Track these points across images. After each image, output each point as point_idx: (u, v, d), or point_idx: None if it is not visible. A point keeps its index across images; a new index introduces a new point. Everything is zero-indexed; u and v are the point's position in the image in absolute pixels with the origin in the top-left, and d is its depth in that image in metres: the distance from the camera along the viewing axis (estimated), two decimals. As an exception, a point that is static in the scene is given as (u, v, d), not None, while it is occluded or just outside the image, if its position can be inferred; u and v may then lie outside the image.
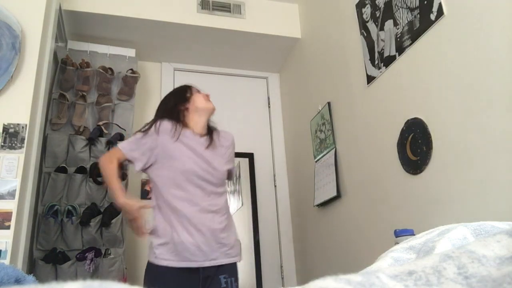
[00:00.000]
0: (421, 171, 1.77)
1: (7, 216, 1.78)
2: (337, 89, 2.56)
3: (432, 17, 1.73)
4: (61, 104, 2.63)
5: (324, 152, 2.65)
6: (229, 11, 3.05)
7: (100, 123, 2.68)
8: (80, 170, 2.55)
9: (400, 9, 1.96)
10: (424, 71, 1.80)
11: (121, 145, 1.86)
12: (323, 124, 2.68)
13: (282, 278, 3.06)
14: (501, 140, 1.40)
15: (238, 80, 3.53)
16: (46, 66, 2.16)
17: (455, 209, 1.58)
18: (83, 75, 2.75)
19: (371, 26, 2.19)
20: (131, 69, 2.89)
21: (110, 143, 2.62)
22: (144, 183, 2.92)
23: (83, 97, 2.71)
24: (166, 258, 1.70)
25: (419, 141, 1.79)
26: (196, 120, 1.93)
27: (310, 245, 2.88)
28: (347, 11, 2.45)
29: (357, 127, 2.31)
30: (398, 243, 1.27)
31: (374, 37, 2.16)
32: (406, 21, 1.91)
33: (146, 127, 1.86)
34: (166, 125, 1.84)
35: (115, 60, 2.90)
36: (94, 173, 2.53)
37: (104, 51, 2.90)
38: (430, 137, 1.73)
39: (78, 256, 2.38)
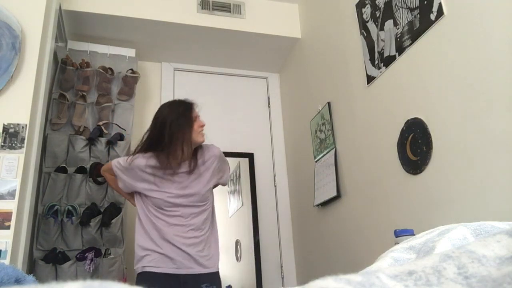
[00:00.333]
0: (421, 171, 1.77)
1: (7, 216, 1.78)
2: (337, 89, 2.56)
3: (432, 17, 1.73)
4: (61, 104, 2.63)
5: (324, 152, 2.65)
6: (229, 11, 3.05)
7: (100, 123, 2.68)
8: (80, 170, 2.55)
9: (400, 9, 1.96)
10: (424, 71, 1.80)
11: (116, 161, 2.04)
12: (323, 124, 2.68)
13: (282, 278, 3.06)
14: (501, 140, 1.40)
15: (238, 80, 3.53)
16: (46, 66, 2.16)
17: (455, 209, 1.58)
18: (83, 75, 2.75)
19: (371, 26, 2.19)
20: (131, 69, 2.89)
21: (110, 143, 2.62)
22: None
23: (83, 97, 2.71)
24: (149, 266, 1.87)
25: (419, 141, 1.79)
26: (186, 145, 1.95)
27: (310, 245, 2.88)
28: (347, 11, 2.45)
29: (357, 127, 2.31)
30: (398, 243, 1.27)
31: (374, 37, 2.17)
32: (406, 21, 1.91)
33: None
34: (139, 161, 1.95)
35: (115, 60, 2.90)
36: (94, 173, 2.54)
37: (104, 51, 2.90)
38: (430, 137, 1.73)
39: (78, 256, 2.38)
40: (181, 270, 1.87)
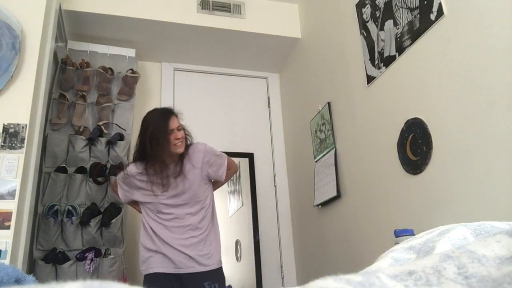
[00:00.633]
0: (421, 171, 1.77)
1: (7, 216, 1.78)
2: (337, 89, 2.56)
3: (432, 17, 1.73)
4: (61, 104, 2.63)
5: (324, 152, 2.65)
6: (229, 11, 3.05)
7: (100, 123, 2.68)
8: (80, 170, 2.55)
9: (400, 9, 1.96)
10: (424, 71, 1.80)
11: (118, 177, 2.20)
12: (323, 124, 2.68)
13: (282, 278, 3.06)
14: (501, 140, 1.40)
15: (238, 80, 3.53)
16: (46, 66, 2.16)
17: (455, 209, 1.58)
18: (83, 75, 2.75)
19: (371, 26, 2.19)
20: (131, 69, 2.89)
21: (110, 143, 2.62)
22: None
23: (83, 97, 2.71)
24: (154, 267, 1.99)
25: (419, 141, 1.79)
26: (164, 156, 2.06)
27: (310, 245, 2.88)
28: (347, 11, 2.45)
29: (357, 127, 2.31)
30: (398, 243, 1.27)
31: (374, 37, 2.17)
32: (406, 21, 1.91)
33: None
34: (131, 169, 2.10)
35: (115, 60, 2.90)
36: (94, 173, 2.54)
37: (104, 51, 2.90)
38: (430, 137, 1.73)
39: (78, 256, 2.38)
40: (182, 270, 1.96)
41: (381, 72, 2.09)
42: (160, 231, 2.02)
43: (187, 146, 2.10)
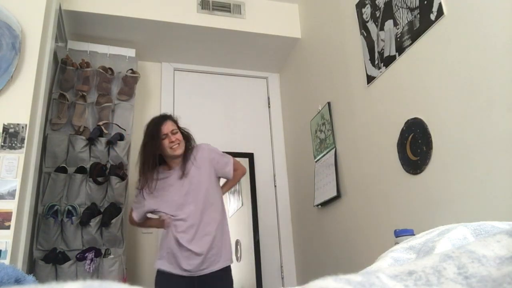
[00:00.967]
0: (421, 171, 1.77)
1: (7, 216, 1.78)
2: (337, 89, 2.56)
3: (432, 17, 1.73)
4: (61, 104, 2.63)
5: (324, 152, 2.65)
6: (229, 11, 3.05)
7: (100, 123, 2.68)
8: (80, 170, 2.55)
9: (400, 9, 1.96)
10: (424, 71, 1.80)
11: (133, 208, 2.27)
12: (323, 124, 2.68)
13: (282, 278, 3.06)
14: (501, 140, 1.40)
15: (238, 80, 3.53)
16: (46, 66, 2.16)
17: (455, 209, 1.58)
18: (83, 75, 2.75)
19: (371, 26, 2.19)
20: (131, 69, 2.88)
21: (110, 143, 2.62)
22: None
23: (83, 97, 2.71)
24: (165, 264, 2.07)
25: (419, 141, 1.79)
26: (168, 159, 2.17)
27: (310, 245, 2.88)
28: (347, 11, 2.45)
29: (357, 127, 2.31)
30: (398, 243, 1.27)
31: (374, 37, 2.16)
32: (406, 21, 1.91)
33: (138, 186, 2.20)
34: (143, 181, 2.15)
35: (115, 60, 2.90)
36: (94, 173, 2.54)
37: (104, 51, 2.90)
38: (430, 137, 1.73)
39: (78, 256, 2.38)
40: (193, 273, 2.03)
41: (381, 72, 2.09)
42: (173, 234, 2.09)
43: (191, 149, 2.17)
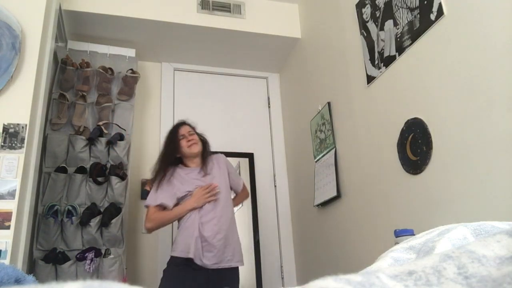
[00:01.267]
0: (421, 171, 1.77)
1: (7, 216, 1.78)
2: (337, 89, 2.56)
3: (432, 17, 1.73)
4: (61, 104, 2.63)
5: (324, 152, 2.65)
6: (229, 11, 3.05)
7: (100, 123, 2.68)
8: (80, 170, 2.55)
9: (400, 9, 1.96)
10: (424, 71, 1.80)
11: (147, 202, 2.20)
12: (323, 124, 2.68)
13: (282, 278, 3.06)
14: (501, 140, 1.40)
15: (238, 80, 3.53)
16: (46, 66, 2.16)
17: (455, 209, 1.58)
18: (83, 75, 2.75)
19: (371, 26, 2.19)
20: (131, 69, 2.89)
21: (110, 143, 2.62)
22: (144, 183, 2.92)
23: (83, 97, 2.71)
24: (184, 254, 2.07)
25: (419, 141, 1.79)
26: (187, 160, 2.27)
27: (310, 245, 2.88)
28: (347, 11, 2.45)
29: (357, 127, 2.31)
30: (398, 243, 1.27)
31: (374, 37, 2.16)
32: (406, 21, 1.91)
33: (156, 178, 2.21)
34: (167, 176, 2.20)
35: (115, 60, 2.90)
36: (94, 173, 2.54)
37: (104, 51, 2.90)
38: (430, 137, 1.73)
39: (78, 256, 2.38)
40: (209, 266, 2.05)
41: (381, 72, 2.09)
42: (193, 224, 2.13)
43: (209, 152, 2.31)
